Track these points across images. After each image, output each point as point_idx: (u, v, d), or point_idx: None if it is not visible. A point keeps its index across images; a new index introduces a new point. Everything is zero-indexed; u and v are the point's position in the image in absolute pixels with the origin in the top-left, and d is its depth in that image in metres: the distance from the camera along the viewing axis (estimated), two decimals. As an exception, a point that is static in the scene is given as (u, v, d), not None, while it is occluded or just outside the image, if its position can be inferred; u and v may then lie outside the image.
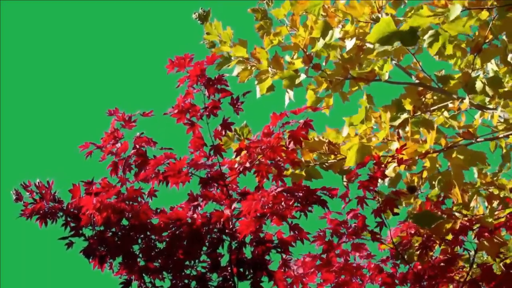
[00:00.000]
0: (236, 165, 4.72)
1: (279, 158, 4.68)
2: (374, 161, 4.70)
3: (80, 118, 12.60)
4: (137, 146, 4.82)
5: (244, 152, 4.72)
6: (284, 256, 4.87)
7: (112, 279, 4.86)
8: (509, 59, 4.96)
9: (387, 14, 5.80)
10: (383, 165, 4.71)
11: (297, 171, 5.73)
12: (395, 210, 4.75)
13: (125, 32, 13.66)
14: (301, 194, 4.63)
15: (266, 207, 4.53)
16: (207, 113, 4.70)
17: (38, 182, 4.85)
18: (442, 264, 4.97)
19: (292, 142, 4.65)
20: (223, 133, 4.73)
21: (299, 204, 4.64)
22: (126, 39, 13.64)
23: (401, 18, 5.44)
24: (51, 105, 13.16)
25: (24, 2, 13.00)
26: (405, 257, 5.02)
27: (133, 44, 13.61)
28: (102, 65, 13.57)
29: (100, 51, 13.47)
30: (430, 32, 5.05)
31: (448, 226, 5.05)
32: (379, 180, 4.84)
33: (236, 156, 4.75)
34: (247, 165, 4.66)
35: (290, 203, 4.59)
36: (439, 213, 5.04)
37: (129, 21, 13.70)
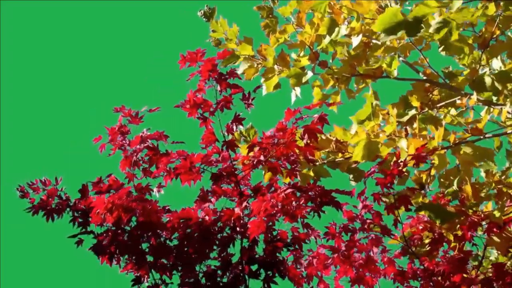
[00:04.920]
0: (249, 160, 4.67)
1: (292, 153, 4.64)
2: (394, 159, 4.69)
3: (79, 117, 12.58)
4: (147, 141, 4.79)
5: (256, 148, 4.68)
6: (295, 253, 4.84)
7: (111, 275, 4.84)
8: None
9: (396, 3, 5.78)
10: (402, 163, 4.70)
11: (304, 171, 5.70)
12: (409, 207, 4.74)
13: (127, 32, 13.66)
14: (315, 194, 4.60)
15: (277, 207, 4.50)
16: (220, 108, 4.66)
17: (45, 179, 4.84)
18: (457, 262, 4.96)
19: (307, 137, 4.59)
20: (235, 128, 4.69)
21: (312, 204, 4.60)
22: (127, 38, 13.63)
23: (409, 9, 5.43)
24: (50, 104, 13.13)
25: (24, 2, 12.96)
26: (415, 252, 5.01)
27: (135, 44, 13.60)
28: (103, 64, 13.55)
29: (100, 50, 13.46)
30: (438, 19, 5.04)
31: (458, 222, 5.05)
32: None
33: (249, 152, 4.71)
34: (262, 158, 4.60)
35: (301, 202, 4.56)
36: (449, 209, 5.04)
37: (131, 21, 13.69)
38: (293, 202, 4.53)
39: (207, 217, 4.72)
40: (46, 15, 13.39)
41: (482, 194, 5.53)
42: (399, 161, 4.69)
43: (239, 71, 6.11)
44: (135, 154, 4.76)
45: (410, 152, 5.12)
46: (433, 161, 5.52)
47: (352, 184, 5.78)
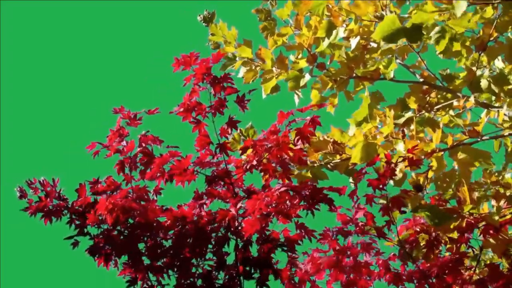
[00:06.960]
0: (242, 163, 4.70)
1: (285, 156, 4.66)
2: (385, 160, 4.69)
3: (78, 118, 12.64)
4: (143, 145, 4.82)
5: (250, 150, 4.71)
6: (290, 254, 4.85)
7: (110, 276, 4.87)
8: None
9: (391, 12, 5.80)
10: (393, 164, 4.71)
11: (303, 172, 5.72)
12: (403, 209, 4.74)
13: (126, 32, 13.70)
14: (307, 193, 4.62)
15: (271, 206, 4.52)
16: (213, 111, 4.69)
17: (43, 180, 4.85)
18: (451, 264, 4.95)
19: (299, 140, 4.62)
20: (229, 131, 4.72)
21: (305, 203, 4.62)
22: (127, 38, 13.68)
23: (406, 16, 5.44)
24: (49, 104, 13.19)
25: (24, 2, 13.03)
26: (413, 255, 5.01)
27: (135, 44, 13.64)
28: (103, 64, 13.60)
29: (100, 50, 13.51)
30: (437, 28, 5.06)
31: (454, 224, 5.04)
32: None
33: (241, 154, 4.74)
34: (254, 162, 4.64)
35: (295, 201, 4.58)
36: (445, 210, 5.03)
37: (130, 21, 13.74)
38: (287, 202, 4.55)
39: (202, 213, 4.74)
40: (46, 15, 13.46)
41: (478, 195, 5.54)
42: (390, 162, 4.69)
43: (239, 75, 6.14)
44: (131, 159, 4.79)
45: (414, 157, 5.12)
46: (431, 164, 5.53)
47: (353, 186, 5.80)
